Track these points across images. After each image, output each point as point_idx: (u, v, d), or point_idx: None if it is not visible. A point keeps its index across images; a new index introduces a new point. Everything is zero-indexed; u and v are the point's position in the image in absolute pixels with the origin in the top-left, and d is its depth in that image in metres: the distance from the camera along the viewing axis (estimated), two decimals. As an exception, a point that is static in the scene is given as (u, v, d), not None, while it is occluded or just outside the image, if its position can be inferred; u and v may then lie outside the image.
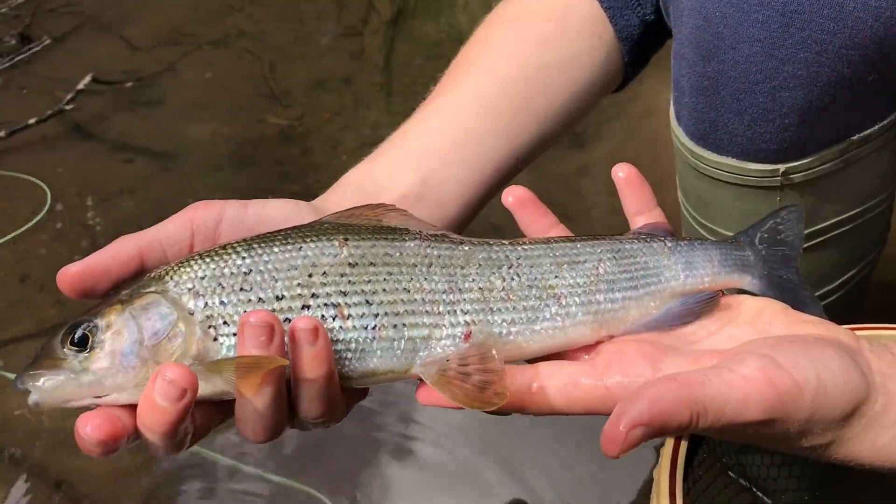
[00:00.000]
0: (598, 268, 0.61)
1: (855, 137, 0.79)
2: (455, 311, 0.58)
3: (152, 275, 0.57)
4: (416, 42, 2.13)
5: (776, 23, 0.71)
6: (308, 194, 1.72)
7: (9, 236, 1.49)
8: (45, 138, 1.75)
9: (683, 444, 0.68)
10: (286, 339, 0.53)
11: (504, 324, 0.58)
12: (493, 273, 0.59)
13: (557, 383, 0.53)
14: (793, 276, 0.64)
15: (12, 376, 1.23)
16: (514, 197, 0.65)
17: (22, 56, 1.96)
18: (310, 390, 0.54)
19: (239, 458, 1.15)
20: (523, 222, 0.66)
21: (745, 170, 0.81)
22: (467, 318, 0.58)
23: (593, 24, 0.82)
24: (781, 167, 0.79)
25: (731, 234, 0.85)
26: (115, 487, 1.14)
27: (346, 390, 0.56)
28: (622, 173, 0.65)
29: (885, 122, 0.80)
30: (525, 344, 0.59)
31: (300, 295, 0.56)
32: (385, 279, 0.58)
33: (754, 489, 0.84)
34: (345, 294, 0.57)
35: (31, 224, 1.51)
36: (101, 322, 0.54)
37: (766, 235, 0.65)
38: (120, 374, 0.54)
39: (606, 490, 1.09)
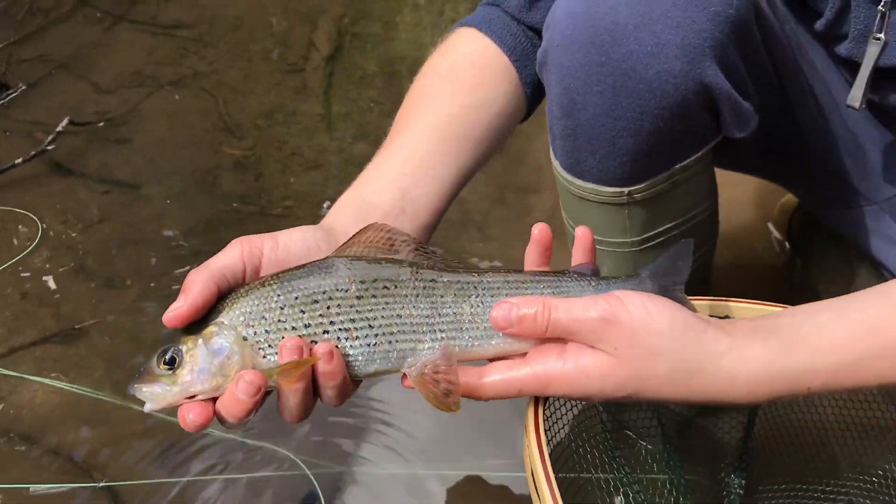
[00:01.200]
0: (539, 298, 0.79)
1: (677, 167, 1.06)
2: (434, 330, 0.77)
3: (219, 306, 0.75)
4: (351, 76, 2.32)
5: (610, 93, 0.95)
6: (262, 213, 1.94)
7: (9, 263, 1.68)
8: (31, 175, 1.91)
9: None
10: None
11: (470, 339, 0.78)
12: (464, 301, 0.78)
13: (499, 375, 0.77)
14: (679, 296, 0.85)
15: (16, 375, 1.47)
16: (538, 230, 0.86)
17: (2, 102, 2.12)
18: (329, 390, 0.76)
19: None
20: (530, 252, 0.86)
21: (601, 192, 1.06)
22: (443, 335, 0.78)
23: (506, 73, 1.07)
24: (626, 189, 1.05)
25: (595, 236, 1.12)
26: (117, 453, 1.38)
27: (353, 381, 0.78)
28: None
29: (698, 154, 1.07)
30: (483, 352, 0.79)
31: (321, 323, 0.75)
32: (383, 308, 0.77)
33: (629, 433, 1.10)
34: (353, 321, 0.76)
35: (27, 251, 1.70)
36: (182, 348, 0.74)
37: (661, 270, 0.85)
38: (198, 383, 0.74)
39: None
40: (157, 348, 0.75)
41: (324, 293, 0.76)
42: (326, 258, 0.79)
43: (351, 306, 0.76)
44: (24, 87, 2.18)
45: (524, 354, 0.79)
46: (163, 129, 2.10)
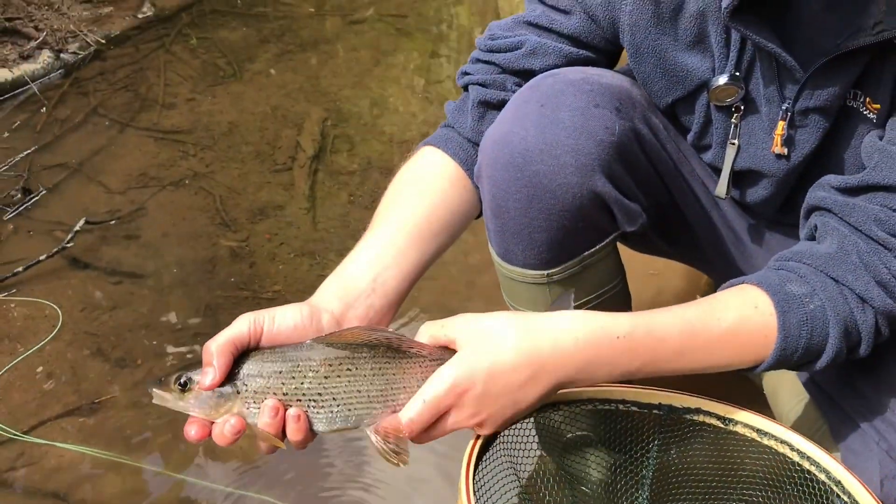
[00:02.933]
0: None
1: (586, 253, 1.29)
2: (387, 399, 0.98)
3: (234, 370, 0.97)
4: (334, 173, 2.54)
5: (525, 201, 1.17)
6: (255, 297, 2.25)
7: (35, 347, 1.88)
8: (52, 270, 2.11)
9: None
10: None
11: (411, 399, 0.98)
12: (411, 377, 0.99)
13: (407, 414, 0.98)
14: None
15: (45, 442, 1.68)
16: None
17: (26, 205, 2.35)
18: (294, 439, 0.98)
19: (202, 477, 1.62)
20: None
21: (527, 274, 1.26)
22: (393, 402, 0.98)
23: (460, 180, 1.26)
24: (546, 272, 1.25)
25: (524, 308, 1.35)
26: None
27: (314, 434, 0.99)
28: None
29: (602, 243, 1.30)
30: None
31: (296, 392, 0.97)
32: (346, 384, 0.98)
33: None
34: (321, 394, 0.97)
35: (50, 336, 1.91)
36: (195, 379, 0.96)
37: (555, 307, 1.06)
38: (195, 409, 0.96)
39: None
40: (176, 372, 0.98)
41: (299, 371, 0.98)
42: (308, 342, 1.00)
43: (320, 383, 0.98)
44: (44, 192, 2.38)
45: None
46: (166, 224, 2.30)
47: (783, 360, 1.07)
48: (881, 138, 1.14)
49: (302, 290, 2.09)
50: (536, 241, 1.24)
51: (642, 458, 1.21)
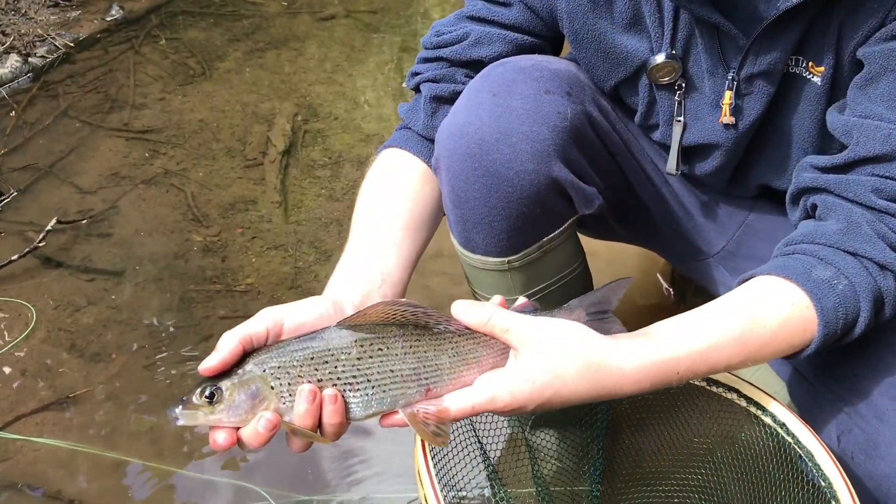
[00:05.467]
0: (493, 343, 0.99)
1: (545, 239, 1.30)
2: (420, 378, 0.95)
3: (251, 361, 0.93)
4: (305, 167, 2.52)
5: (483, 190, 1.18)
6: (228, 290, 2.24)
7: (9, 345, 1.89)
8: (25, 270, 2.11)
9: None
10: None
11: (449, 380, 0.97)
12: (443, 353, 0.96)
13: (459, 401, 0.97)
14: (608, 319, 1.06)
15: (21, 437, 1.68)
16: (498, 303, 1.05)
17: None
18: (330, 427, 0.94)
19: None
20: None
21: (488, 262, 1.28)
22: (427, 381, 0.96)
23: (428, 175, 1.28)
24: (506, 259, 1.27)
25: (487, 295, 1.36)
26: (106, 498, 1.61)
27: (349, 421, 0.95)
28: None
29: (560, 229, 1.32)
30: (452, 388, 0.97)
31: (330, 378, 0.93)
32: (380, 365, 0.94)
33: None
34: (355, 377, 0.94)
35: (25, 334, 1.92)
36: (223, 387, 0.91)
37: (589, 301, 1.04)
38: (233, 415, 0.92)
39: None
40: (198, 385, 0.93)
41: (331, 355, 0.94)
42: (334, 327, 0.97)
43: (353, 365, 0.95)
44: (15, 193, 2.35)
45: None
46: (138, 222, 2.29)
47: (825, 345, 1.08)
48: (841, 112, 1.15)
49: (275, 282, 2.11)
50: (496, 229, 1.25)
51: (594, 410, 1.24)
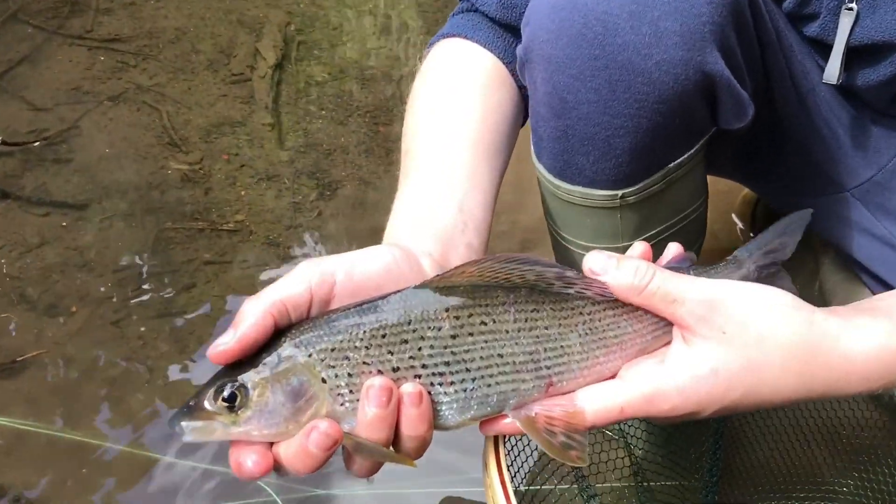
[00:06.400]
0: (645, 316, 0.73)
1: (671, 165, 1.01)
2: (538, 366, 0.69)
3: (291, 342, 0.66)
4: (300, 83, 2.29)
5: (605, 89, 0.90)
6: (214, 229, 1.87)
7: None
8: None
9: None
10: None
11: (578, 370, 0.71)
12: (571, 331, 0.71)
13: (599, 400, 0.71)
14: (780, 275, 0.84)
15: None
16: (641, 251, 0.80)
17: None
18: (410, 441, 0.67)
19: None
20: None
21: (593, 196, 1.00)
22: (549, 371, 0.70)
23: (503, 77, 1.03)
24: (619, 192, 0.99)
25: (583, 242, 1.07)
26: (72, 490, 1.30)
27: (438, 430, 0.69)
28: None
29: (691, 151, 1.02)
30: (583, 381, 0.71)
31: (412, 366, 0.66)
32: (483, 348, 0.68)
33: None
34: (448, 364, 0.67)
35: None
36: (248, 384, 0.64)
37: (761, 249, 0.82)
38: (265, 428, 0.65)
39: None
40: (212, 382, 0.67)
41: (414, 331, 0.67)
42: (411, 289, 0.70)
43: (445, 347, 0.68)
44: None
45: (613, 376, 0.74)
46: (103, 146, 2.04)
47: None
48: None
49: (270, 220, 1.88)
50: (616, 147, 0.94)
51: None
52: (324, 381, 0.66)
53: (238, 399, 0.65)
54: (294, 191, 1.95)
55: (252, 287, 1.67)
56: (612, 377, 0.73)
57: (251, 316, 0.66)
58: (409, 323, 0.67)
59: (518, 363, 0.69)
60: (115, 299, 1.65)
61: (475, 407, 0.69)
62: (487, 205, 0.90)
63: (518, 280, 0.70)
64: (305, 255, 1.77)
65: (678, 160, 1.01)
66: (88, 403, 1.47)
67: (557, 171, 1.01)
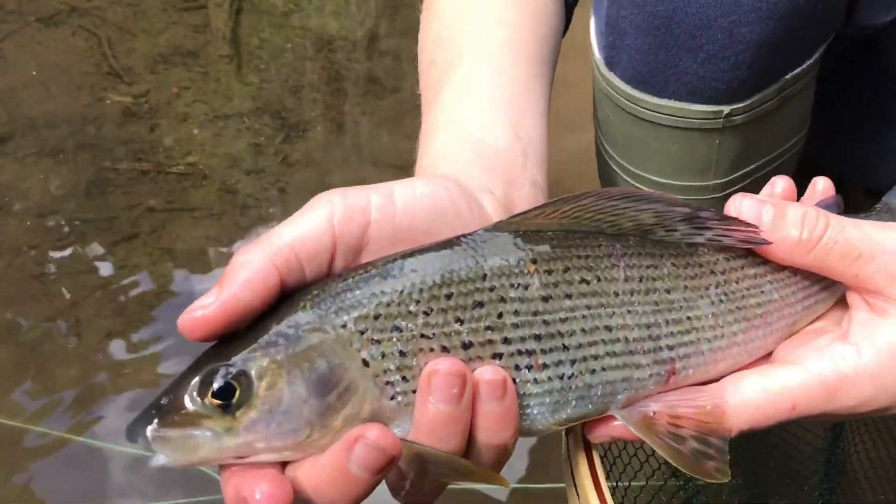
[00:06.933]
0: (792, 279, 0.55)
1: (789, 76, 0.81)
2: (660, 346, 0.51)
3: (313, 306, 0.46)
4: (262, 13, 2.08)
5: None
6: (160, 171, 1.68)
7: None
8: None
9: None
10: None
11: (710, 352, 0.52)
12: (701, 296, 0.52)
13: (754, 392, 0.51)
14: None
15: None
16: (782, 187, 0.61)
17: None
18: (487, 453, 0.48)
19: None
20: None
21: (689, 112, 0.81)
22: (672, 353, 0.51)
23: None
24: (726, 108, 0.80)
25: (659, 178, 0.87)
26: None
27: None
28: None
29: (812, 59, 0.83)
30: (713, 368, 0.53)
31: (490, 342, 0.47)
32: (584, 316, 0.49)
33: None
34: (539, 338, 0.48)
35: None
36: (251, 370, 0.44)
37: None
38: (277, 437, 0.44)
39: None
40: (194, 368, 0.46)
41: (492, 290, 0.48)
42: (480, 232, 0.50)
43: (535, 313, 0.48)
44: None
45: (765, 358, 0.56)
46: (29, 71, 1.85)
47: None
48: None
49: (227, 164, 1.69)
50: (738, 41, 0.75)
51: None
52: (365, 363, 0.46)
53: (237, 393, 0.44)
54: (255, 131, 1.75)
55: (206, 242, 1.49)
56: (750, 365, 0.54)
57: (246, 268, 0.46)
58: (485, 278, 0.47)
59: (632, 340, 0.50)
60: (38, 249, 1.48)
61: (573, 402, 0.49)
62: (545, 132, 0.68)
63: (629, 224, 0.51)
64: (268, 206, 1.55)
65: (796, 71, 0.81)
66: (2, 371, 1.28)
67: (643, 79, 0.80)
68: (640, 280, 0.51)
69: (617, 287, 0.50)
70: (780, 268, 0.54)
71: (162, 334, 1.29)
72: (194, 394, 0.44)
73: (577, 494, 0.56)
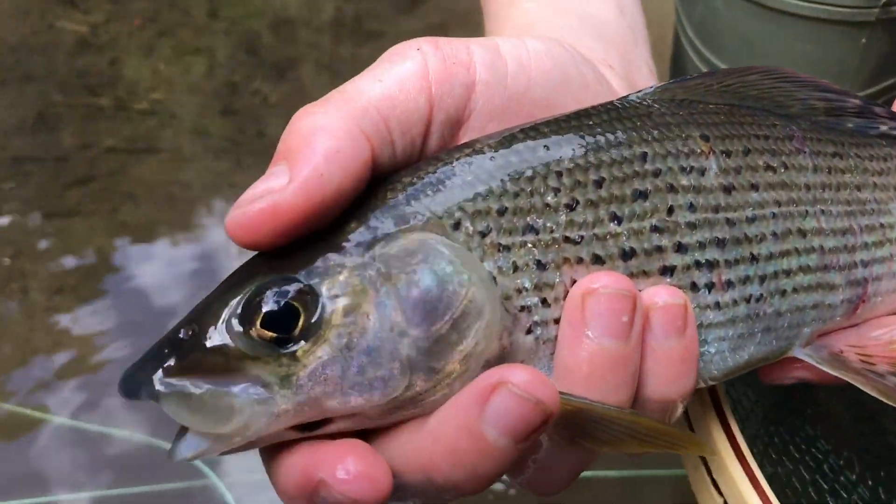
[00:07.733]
0: None
1: None
2: (854, 261, 0.40)
3: (410, 196, 0.33)
4: None
5: None
6: (120, 107, 1.53)
7: None
8: None
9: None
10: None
11: None
12: (892, 198, 0.42)
13: None
14: None
15: None
16: None
17: None
18: (653, 411, 0.35)
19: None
20: None
21: (837, 2, 0.69)
22: (866, 271, 0.40)
23: None
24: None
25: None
26: None
27: None
28: None
29: None
30: None
31: (659, 248, 0.35)
32: (775, 215, 0.37)
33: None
34: (722, 245, 0.36)
35: None
36: (320, 286, 0.30)
37: None
38: (358, 390, 0.30)
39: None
40: (229, 288, 0.31)
41: (657, 174, 0.36)
42: (633, 98, 0.39)
43: (717, 210, 0.36)
44: None
45: None
46: None
47: None
48: None
49: (197, 101, 1.56)
50: None
51: None
52: (492, 276, 0.33)
53: (300, 320, 0.30)
54: (229, 68, 1.62)
55: (175, 187, 1.33)
56: None
57: (328, 134, 0.32)
58: (646, 159, 0.35)
59: (828, 251, 0.38)
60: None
61: (759, 337, 0.37)
62: (642, 13, 0.57)
63: (797, 109, 0.41)
64: (247, 150, 1.41)
65: None
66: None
67: None
68: (829, 172, 0.40)
69: (807, 178, 0.39)
70: None
71: (113, 304, 1.12)
72: (234, 322, 0.29)
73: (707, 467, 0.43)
